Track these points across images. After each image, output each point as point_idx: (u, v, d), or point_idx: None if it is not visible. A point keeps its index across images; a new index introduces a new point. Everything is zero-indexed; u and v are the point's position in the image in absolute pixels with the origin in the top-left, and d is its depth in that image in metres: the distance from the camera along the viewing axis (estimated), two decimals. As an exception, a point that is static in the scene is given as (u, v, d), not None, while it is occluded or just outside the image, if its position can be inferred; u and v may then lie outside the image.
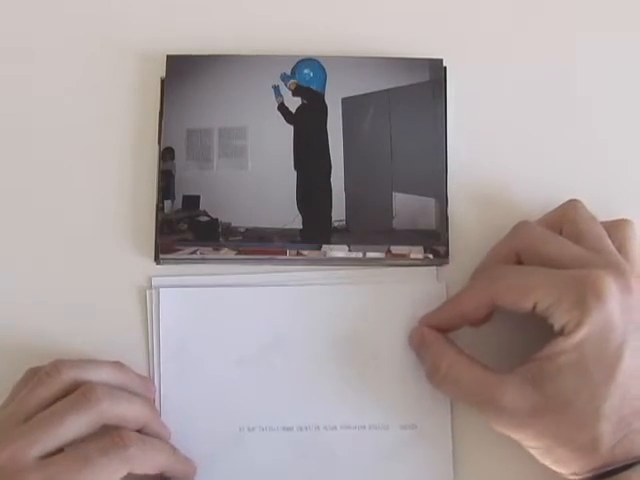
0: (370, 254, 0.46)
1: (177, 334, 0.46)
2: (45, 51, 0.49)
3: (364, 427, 0.45)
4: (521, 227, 0.43)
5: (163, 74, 0.47)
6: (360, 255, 0.46)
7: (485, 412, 0.41)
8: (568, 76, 0.50)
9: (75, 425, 0.39)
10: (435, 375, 0.42)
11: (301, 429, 0.45)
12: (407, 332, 0.45)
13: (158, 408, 0.45)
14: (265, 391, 0.45)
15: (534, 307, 0.40)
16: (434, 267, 0.47)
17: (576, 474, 0.40)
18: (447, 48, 0.48)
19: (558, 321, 0.39)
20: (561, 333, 0.39)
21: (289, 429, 0.45)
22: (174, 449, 0.43)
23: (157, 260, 0.46)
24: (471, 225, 0.47)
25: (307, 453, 0.45)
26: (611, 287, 0.38)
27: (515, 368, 0.40)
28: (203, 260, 0.46)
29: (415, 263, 0.46)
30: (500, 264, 0.43)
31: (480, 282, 0.43)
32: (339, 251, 0.46)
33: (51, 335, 0.46)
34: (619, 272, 0.39)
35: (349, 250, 0.46)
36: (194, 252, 0.45)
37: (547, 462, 0.40)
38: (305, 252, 0.46)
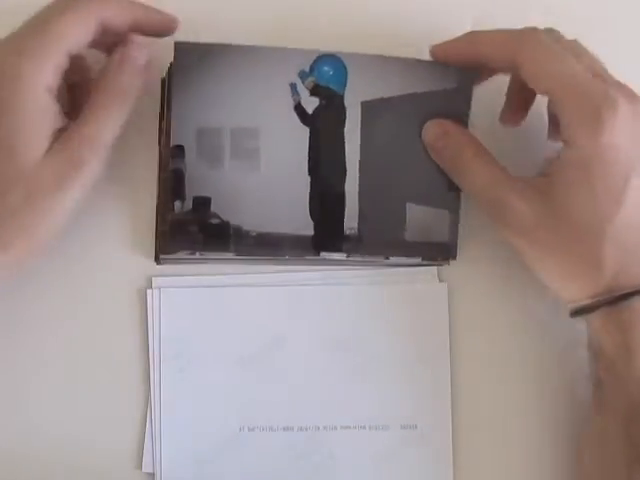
0: None
1: (178, 334, 0.45)
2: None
3: (364, 427, 0.45)
4: (527, 33, 0.41)
5: (163, 74, 0.47)
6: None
7: (494, 212, 0.42)
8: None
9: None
10: (458, 163, 0.43)
11: (301, 429, 0.45)
12: (407, 332, 0.45)
13: (158, 408, 0.45)
14: (265, 391, 0.45)
15: (547, 94, 0.40)
16: (434, 267, 0.47)
17: (576, 300, 0.40)
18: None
19: (569, 127, 0.39)
20: (570, 142, 0.39)
21: (289, 429, 0.45)
22: (147, 5, 0.43)
23: (157, 260, 0.46)
24: (471, 225, 0.47)
25: (307, 453, 0.45)
26: (627, 109, 0.38)
27: (530, 180, 0.41)
28: (203, 260, 0.46)
29: (415, 263, 0.46)
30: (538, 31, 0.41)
31: (506, 33, 0.42)
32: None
33: (50, 334, 0.46)
34: (633, 97, 0.39)
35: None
36: (193, 252, 0.45)
37: (548, 281, 0.41)
38: None
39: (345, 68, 0.44)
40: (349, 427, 0.45)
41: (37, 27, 0.40)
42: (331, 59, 0.44)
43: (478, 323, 0.45)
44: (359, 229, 0.45)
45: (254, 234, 0.45)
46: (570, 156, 0.39)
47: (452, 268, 0.46)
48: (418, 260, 0.46)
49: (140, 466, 0.45)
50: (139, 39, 0.42)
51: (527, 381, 0.46)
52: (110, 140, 0.42)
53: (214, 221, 0.45)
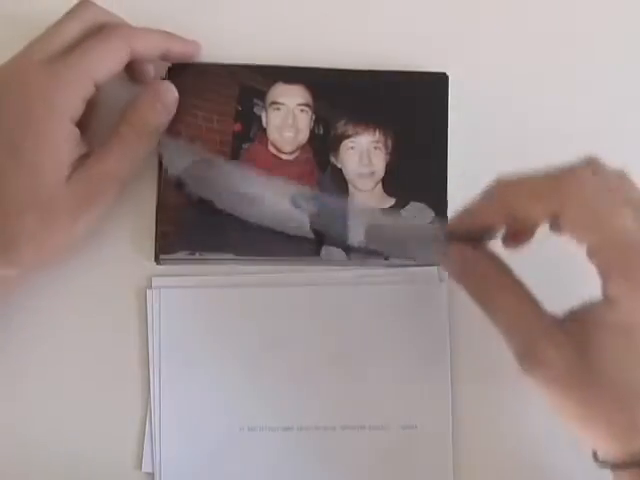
0: None
1: (177, 334, 0.45)
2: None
3: (364, 427, 0.45)
4: (569, 179, 0.36)
5: (163, 75, 0.47)
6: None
7: (521, 354, 0.37)
8: (569, 89, 0.49)
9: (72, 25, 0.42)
10: (481, 296, 0.38)
11: (301, 429, 0.45)
12: (407, 332, 0.45)
13: (158, 408, 0.45)
14: (265, 391, 0.45)
15: (589, 247, 0.36)
16: (435, 267, 0.46)
17: (604, 452, 0.37)
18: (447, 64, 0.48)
19: (611, 287, 0.35)
20: (611, 301, 0.35)
21: (289, 429, 0.45)
22: (172, 33, 0.45)
23: (157, 260, 0.46)
24: None
25: (307, 453, 0.45)
26: None
27: (561, 322, 0.37)
28: (203, 261, 0.46)
29: (415, 263, 0.46)
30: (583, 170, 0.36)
31: (544, 182, 0.36)
32: (339, 252, 0.46)
33: (50, 334, 0.46)
34: None
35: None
36: (193, 252, 0.45)
37: (572, 428, 0.37)
38: None
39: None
40: (349, 427, 0.45)
41: (74, 57, 0.41)
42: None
43: (478, 323, 0.44)
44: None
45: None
46: (611, 318, 0.36)
47: None
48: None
49: (140, 466, 0.45)
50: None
51: (527, 381, 0.46)
52: (129, 174, 0.43)
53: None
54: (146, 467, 0.45)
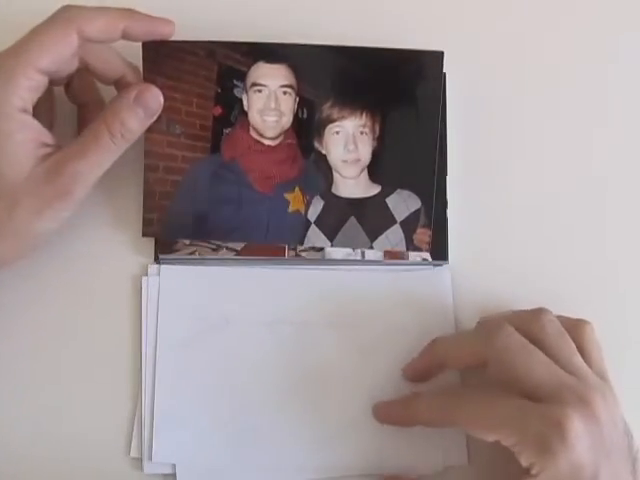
0: (369, 255, 0.46)
1: (171, 321, 0.45)
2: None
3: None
4: (496, 334, 0.41)
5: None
6: (359, 257, 0.46)
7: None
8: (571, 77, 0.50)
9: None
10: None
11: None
12: (407, 332, 0.45)
13: (150, 395, 0.45)
14: (258, 380, 0.45)
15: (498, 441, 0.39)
16: (434, 267, 0.47)
17: None
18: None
19: (524, 460, 0.38)
20: (528, 473, 0.38)
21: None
22: (134, 11, 0.42)
23: (157, 260, 0.45)
24: (470, 225, 0.47)
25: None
26: (577, 427, 0.37)
27: None
28: (202, 261, 0.45)
29: (414, 263, 0.46)
30: (467, 388, 0.44)
31: (444, 399, 0.42)
32: (338, 252, 0.45)
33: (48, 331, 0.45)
34: (584, 403, 0.38)
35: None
36: (193, 252, 0.45)
37: None
38: (304, 253, 0.45)
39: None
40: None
41: (10, 50, 0.40)
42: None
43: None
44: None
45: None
46: None
47: (451, 268, 0.47)
48: (418, 260, 0.46)
49: (128, 451, 0.45)
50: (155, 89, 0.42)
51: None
52: (100, 176, 0.41)
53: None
54: (134, 452, 0.45)
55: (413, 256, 0.46)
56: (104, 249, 0.46)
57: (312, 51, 0.44)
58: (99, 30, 0.40)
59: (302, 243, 0.45)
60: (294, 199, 0.45)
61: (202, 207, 0.45)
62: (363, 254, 0.46)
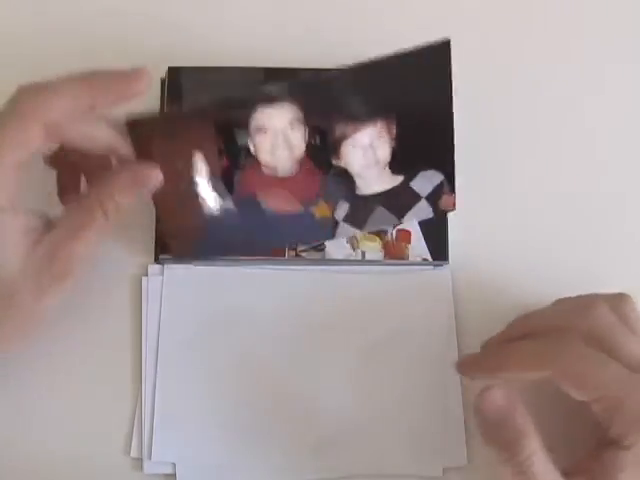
0: (369, 255, 0.46)
1: (171, 321, 0.45)
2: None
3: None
4: (595, 308, 0.40)
5: (163, 75, 0.45)
6: (359, 257, 0.46)
7: None
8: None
9: None
10: (510, 460, 0.38)
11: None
12: (407, 332, 0.45)
13: (151, 395, 0.45)
14: (259, 377, 0.45)
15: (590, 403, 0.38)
16: (434, 267, 0.47)
17: None
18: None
19: (616, 429, 0.38)
20: (618, 443, 0.38)
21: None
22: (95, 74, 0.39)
23: (157, 260, 0.46)
24: (471, 225, 0.48)
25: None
26: None
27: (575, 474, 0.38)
28: (202, 261, 0.46)
29: (414, 263, 0.46)
30: (571, 337, 0.40)
31: (542, 346, 0.40)
32: (339, 252, 0.46)
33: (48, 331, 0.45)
34: None
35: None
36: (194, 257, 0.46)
37: None
38: (304, 253, 0.46)
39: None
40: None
41: None
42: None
43: (483, 326, 0.45)
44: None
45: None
46: (621, 457, 0.38)
47: (451, 268, 0.47)
48: (419, 260, 0.46)
49: (129, 452, 0.45)
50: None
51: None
52: (94, 250, 0.41)
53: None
54: (134, 452, 0.45)
55: (413, 256, 0.46)
56: (104, 249, 0.45)
57: (312, 80, 0.43)
58: (64, 113, 0.38)
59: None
60: (319, 209, 0.45)
61: (227, 234, 0.45)
62: (363, 254, 0.46)
